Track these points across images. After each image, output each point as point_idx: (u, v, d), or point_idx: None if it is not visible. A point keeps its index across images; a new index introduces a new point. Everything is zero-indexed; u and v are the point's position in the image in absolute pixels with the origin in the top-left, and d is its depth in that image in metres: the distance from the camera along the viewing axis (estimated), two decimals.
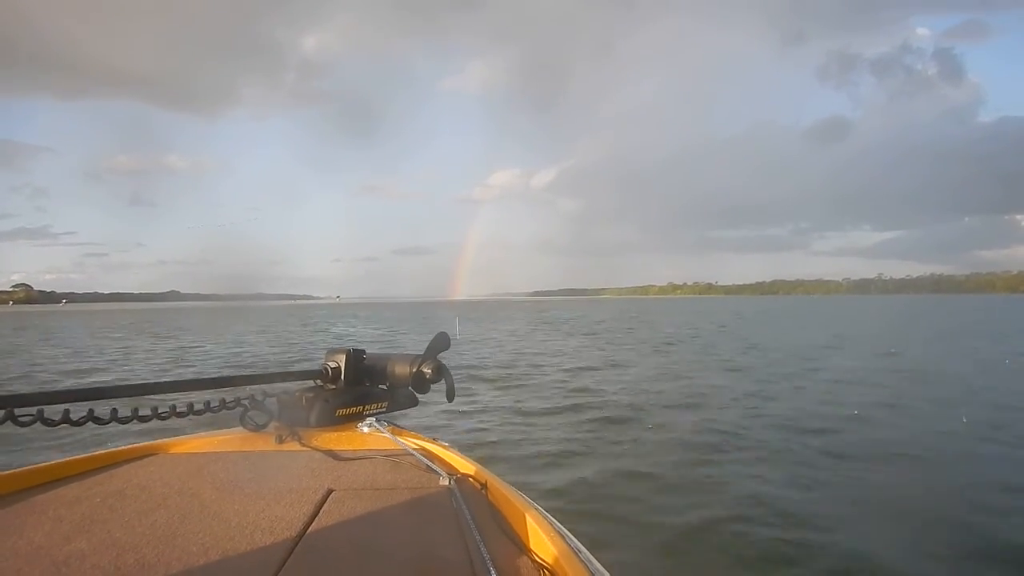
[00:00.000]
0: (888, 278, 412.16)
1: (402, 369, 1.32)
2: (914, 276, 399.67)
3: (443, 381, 1.35)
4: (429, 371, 1.31)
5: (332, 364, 1.29)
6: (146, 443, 1.15)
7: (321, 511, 0.84)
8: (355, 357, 1.31)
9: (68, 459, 1.02)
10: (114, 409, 0.99)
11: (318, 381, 1.30)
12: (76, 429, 0.95)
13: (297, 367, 1.40)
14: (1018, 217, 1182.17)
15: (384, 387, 1.36)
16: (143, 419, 1.01)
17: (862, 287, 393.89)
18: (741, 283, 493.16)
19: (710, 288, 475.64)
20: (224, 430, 1.24)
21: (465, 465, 1.05)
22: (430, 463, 1.02)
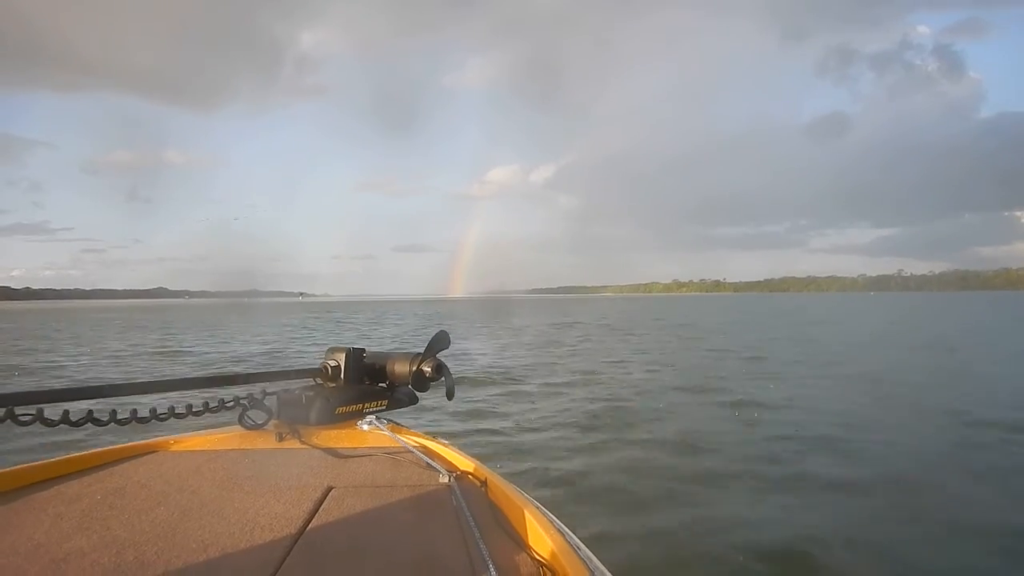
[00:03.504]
0: (908, 274, 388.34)
1: (402, 367, 1.33)
2: (937, 272, 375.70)
3: (443, 379, 1.35)
4: (429, 369, 1.31)
5: (332, 362, 1.30)
6: (146, 441, 1.17)
7: (321, 508, 0.84)
8: (355, 355, 1.31)
9: (68, 456, 1.03)
10: (113, 410, 1.00)
11: (318, 379, 1.31)
12: (76, 428, 0.96)
13: (297, 366, 1.40)
14: (1017, 213, 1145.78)
15: (384, 385, 1.37)
16: (142, 420, 1.02)
17: (880, 284, 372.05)
18: (747, 280, 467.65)
19: (718, 286, 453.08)
20: (224, 428, 1.25)
21: (465, 462, 1.06)
22: (430, 460, 1.03)
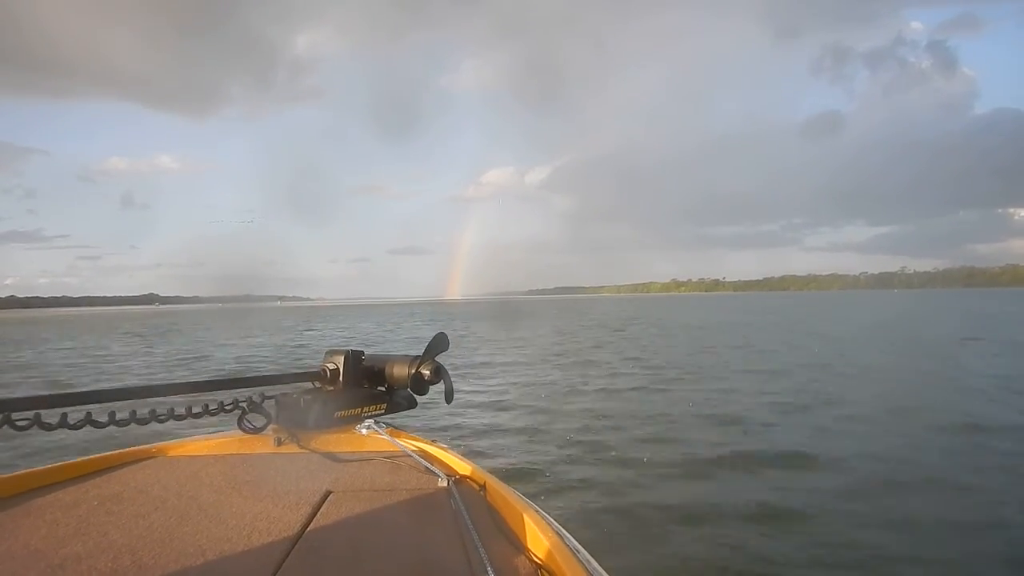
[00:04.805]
0: (912, 271, 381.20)
1: (400, 371, 1.32)
2: (941, 269, 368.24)
3: (442, 383, 1.34)
4: (428, 372, 1.30)
5: (331, 366, 1.29)
6: (143, 446, 1.16)
7: (319, 513, 0.84)
8: (354, 358, 1.31)
9: (65, 463, 1.03)
10: (111, 412, 1.00)
11: (317, 383, 1.31)
12: (73, 432, 0.95)
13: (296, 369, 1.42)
14: (1012, 210, 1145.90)
15: (383, 389, 1.37)
16: (140, 422, 1.02)
17: (883, 281, 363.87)
18: (746, 279, 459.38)
19: (717, 285, 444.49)
20: (222, 432, 1.25)
21: (463, 466, 1.06)
22: (428, 464, 1.03)
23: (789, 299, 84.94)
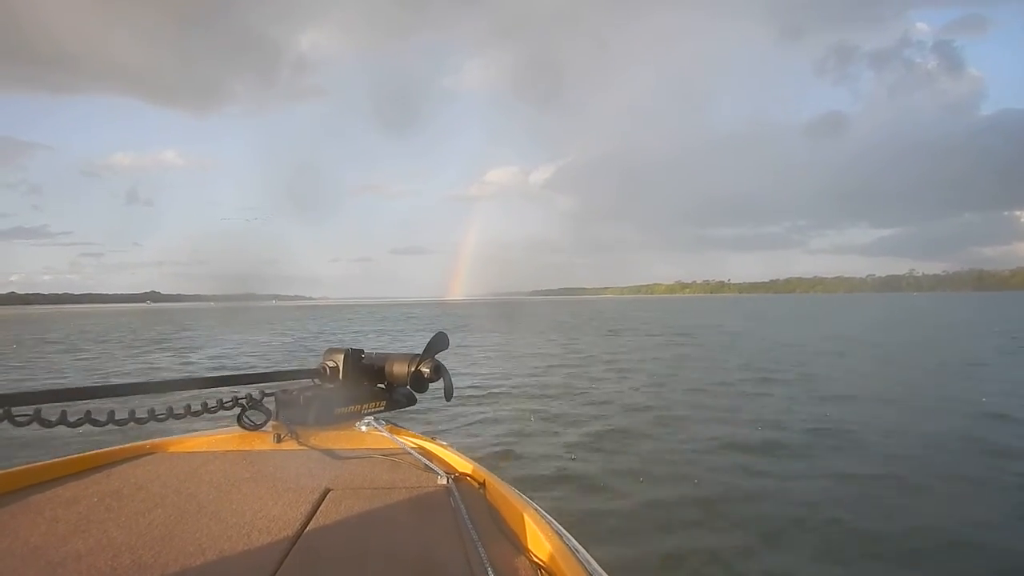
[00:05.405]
0: (920, 274, 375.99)
1: (400, 368, 1.33)
2: (951, 272, 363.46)
3: (441, 380, 1.35)
4: (427, 370, 1.31)
5: (331, 363, 1.30)
6: (143, 442, 1.16)
7: (319, 510, 0.84)
8: (354, 356, 1.31)
9: (64, 458, 1.02)
10: (111, 410, 1.00)
11: (316, 380, 1.31)
12: (73, 429, 0.95)
13: (295, 366, 1.38)
14: (1017, 213, 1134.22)
15: (382, 386, 1.37)
16: (140, 420, 1.02)
17: (890, 284, 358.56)
18: (751, 281, 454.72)
19: (722, 287, 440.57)
20: (222, 429, 1.25)
21: (463, 464, 1.06)
22: (428, 462, 1.03)
23: (805, 302, 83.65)
